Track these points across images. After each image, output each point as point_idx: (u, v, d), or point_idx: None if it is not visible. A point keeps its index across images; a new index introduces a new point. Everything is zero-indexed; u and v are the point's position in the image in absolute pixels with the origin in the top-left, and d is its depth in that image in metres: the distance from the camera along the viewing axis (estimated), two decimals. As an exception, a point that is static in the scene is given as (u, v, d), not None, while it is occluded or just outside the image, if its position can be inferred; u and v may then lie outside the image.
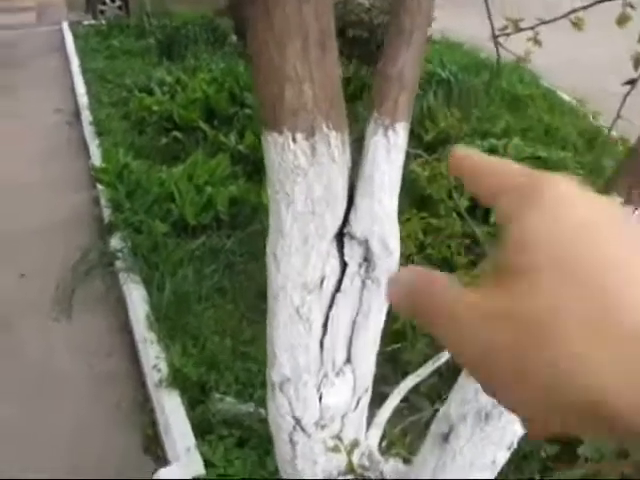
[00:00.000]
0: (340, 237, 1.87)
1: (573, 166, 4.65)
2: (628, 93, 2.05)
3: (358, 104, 4.88)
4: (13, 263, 4.67)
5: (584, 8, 2.15)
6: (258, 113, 1.93)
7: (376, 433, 2.21)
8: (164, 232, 4.68)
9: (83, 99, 7.62)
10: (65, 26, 10.86)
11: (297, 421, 1.97)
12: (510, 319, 0.31)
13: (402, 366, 3.04)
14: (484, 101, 6.08)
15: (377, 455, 2.15)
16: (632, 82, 2.09)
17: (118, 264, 4.43)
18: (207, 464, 2.91)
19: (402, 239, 1.92)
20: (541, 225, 0.33)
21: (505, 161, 0.39)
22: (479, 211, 3.96)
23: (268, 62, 1.79)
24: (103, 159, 5.86)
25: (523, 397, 0.31)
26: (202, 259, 4.54)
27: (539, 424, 0.33)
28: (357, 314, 1.95)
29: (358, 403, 2.02)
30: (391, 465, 2.13)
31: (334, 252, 1.87)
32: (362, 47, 5.78)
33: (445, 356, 2.54)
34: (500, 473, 1.85)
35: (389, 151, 1.97)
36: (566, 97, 7.31)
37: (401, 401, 2.31)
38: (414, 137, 3.63)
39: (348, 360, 2.01)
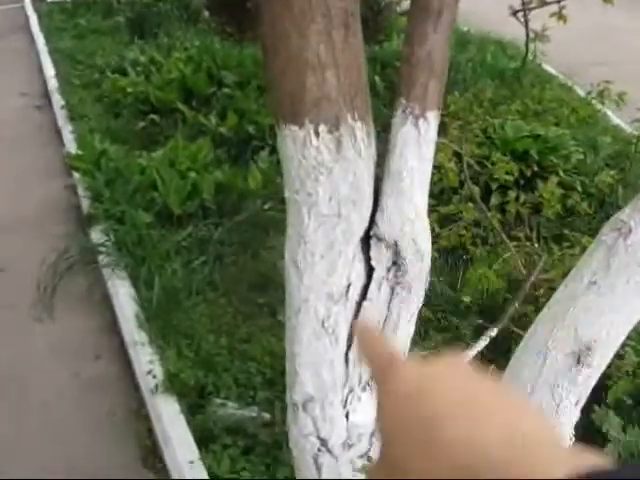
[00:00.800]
0: (366, 239, 1.67)
1: (570, 143, 4.51)
2: None
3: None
4: (-13, 259, 4.42)
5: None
6: (272, 105, 1.73)
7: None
8: (148, 222, 4.45)
9: (52, 81, 7.27)
10: (27, 3, 10.41)
11: (323, 442, 1.79)
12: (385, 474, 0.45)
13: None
14: (473, 78, 5.91)
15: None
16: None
17: (101, 259, 4.20)
18: (212, 476, 2.73)
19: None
20: (389, 405, 0.46)
21: (383, 340, 0.53)
22: (494, 199, 3.81)
23: (286, 47, 1.58)
24: (78, 146, 5.58)
25: None
26: (190, 251, 4.32)
27: None
28: (385, 323, 1.76)
29: (387, 419, 1.86)
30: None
31: (360, 256, 1.67)
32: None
33: (468, 357, 2.36)
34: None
35: (419, 144, 1.77)
36: (553, 71, 7.17)
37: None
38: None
39: (375, 373, 1.84)
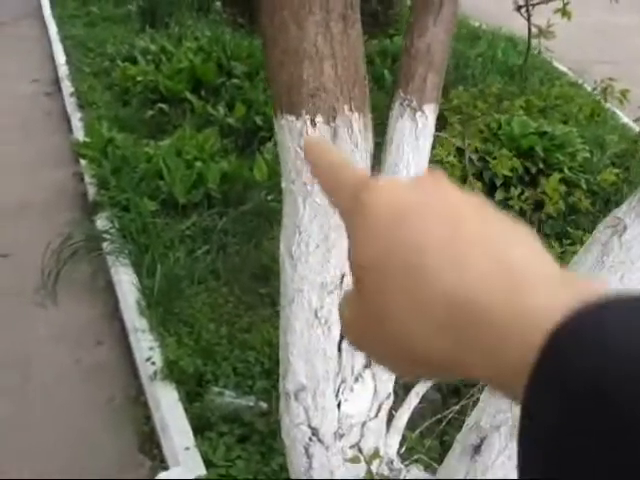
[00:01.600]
0: None
1: (577, 141, 4.49)
2: None
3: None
4: (-7, 244, 4.45)
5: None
6: (272, 95, 1.74)
7: (395, 438, 2.05)
8: (153, 211, 4.47)
9: (63, 69, 7.29)
10: (41, -9, 10.43)
11: (314, 431, 1.81)
12: (360, 316, 0.40)
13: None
14: (482, 74, 5.90)
15: (398, 463, 2.00)
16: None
17: (105, 246, 4.22)
18: (207, 464, 2.75)
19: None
20: (361, 228, 0.39)
21: (344, 165, 0.44)
22: (498, 195, 3.80)
23: (284, 38, 1.59)
24: (86, 133, 5.60)
25: (383, 363, 0.42)
26: (194, 240, 4.34)
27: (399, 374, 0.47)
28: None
29: (379, 410, 1.86)
30: (413, 474, 1.98)
31: None
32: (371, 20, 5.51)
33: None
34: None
35: (417, 137, 1.77)
36: (562, 68, 7.14)
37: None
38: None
39: (368, 365, 1.84)
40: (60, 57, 7.63)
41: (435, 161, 3.08)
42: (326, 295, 1.70)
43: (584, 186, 4.11)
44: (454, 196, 0.39)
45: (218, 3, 8.55)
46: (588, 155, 4.49)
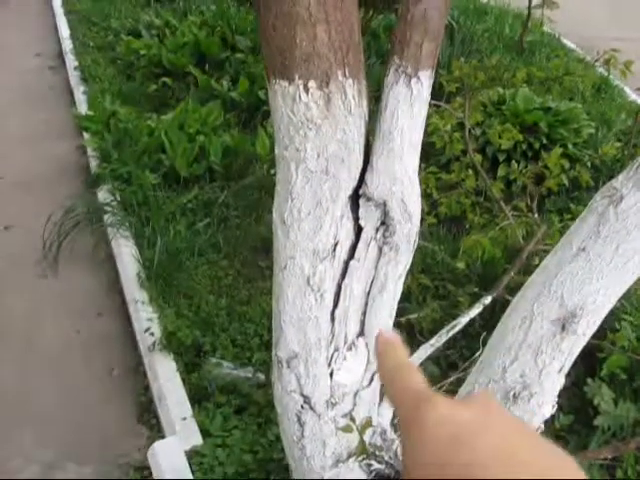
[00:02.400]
0: (355, 199, 1.67)
1: (582, 117, 4.45)
2: None
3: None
4: (-4, 215, 4.46)
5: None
6: (264, 60, 1.72)
7: (389, 408, 2.05)
8: (154, 184, 4.46)
9: (67, 42, 7.26)
10: (46, -36, 10.35)
11: (306, 399, 1.81)
12: None
13: (411, 332, 2.89)
14: (488, 49, 5.84)
15: (391, 433, 2.00)
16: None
17: (107, 218, 4.22)
18: (204, 434, 2.76)
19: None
20: (419, 439, 0.42)
21: (407, 371, 0.48)
22: (501, 170, 3.78)
23: (277, 2, 1.57)
24: (89, 106, 5.58)
25: None
26: (195, 213, 4.34)
27: None
28: (372, 283, 1.77)
29: (372, 379, 1.85)
30: (406, 444, 1.98)
31: (348, 215, 1.67)
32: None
33: (461, 324, 2.38)
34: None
35: (412, 104, 1.75)
36: (570, 44, 7.06)
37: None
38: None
39: (361, 333, 1.84)
40: (64, 31, 7.59)
41: (432, 131, 3.08)
42: (318, 262, 1.69)
43: (588, 163, 4.07)
44: (505, 417, 0.43)
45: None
46: (593, 131, 4.45)
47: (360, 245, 1.70)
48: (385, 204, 1.68)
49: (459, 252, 3.10)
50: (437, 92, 3.97)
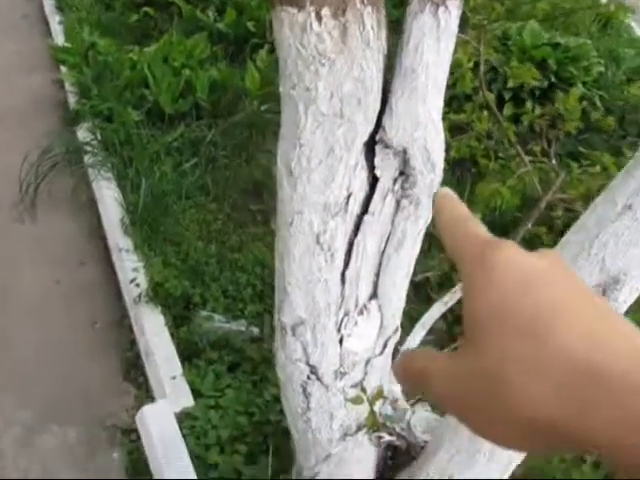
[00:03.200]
0: (371, 145, 1.44)
1: (592, 54, 4.20)
2: None
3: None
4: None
5: None
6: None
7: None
8: (137, 121, 4.20)
9: (41, -33, 6.82)
10: None
11: (312, 370, 1.63)
12: (469, 376, 0.39)
13: (422, 289, 2.71)
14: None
15: (403, 402, 1.84)
16: None
17: (87, 159, 3.96)
18: (195, 394, 2.59)
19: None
20: (485, 292, 0.40)
21: (469, 222, 0.46)
22: (507, 109, 3.54)
23: None
24: (66, 37, 5.23)
25: (494, 433, 0.39)
26: (181, 152, 4.08)
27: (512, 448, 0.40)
28: (388, 240, 1.55)
29: (385, 346, 1.67)
30: (419, 416, 1.81)
31: (363, 163, 1.44)
32: None
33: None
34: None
35: (438, 37, 1.50)
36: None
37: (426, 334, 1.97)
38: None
39: (374, 295, 1.64)
40: (38, -46, 7.12)
41: (456, 67, 2.82)
42: (330, 218, 1.47)
43: (598, 103, 3.85)
44: (576, 281, 0.41)
45: None
46: (603, 69, 4.21)
47: (375, 197, 1.48)
48: (405, 152, 1.44)
49: (464, 197, 2.89)
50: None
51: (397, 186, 1.47)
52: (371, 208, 1.47)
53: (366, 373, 1.67)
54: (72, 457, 2.51)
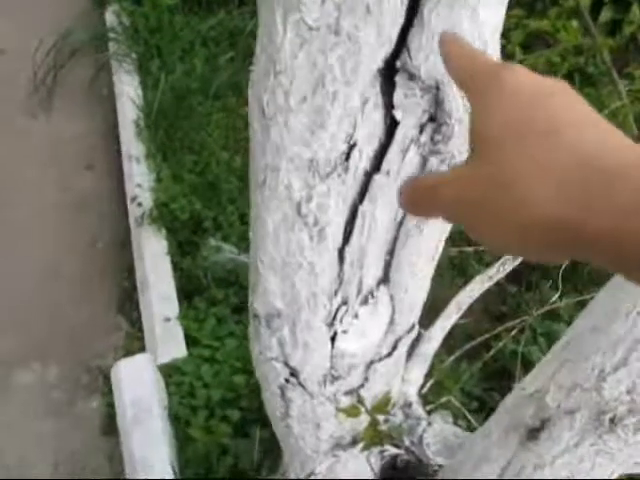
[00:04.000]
0: (388, 75, 0.91)
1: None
2: None
3: None
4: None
5: None
6: None
7: (418, 373, 1.45)
8: (171, 4, 3.71)
9: None
10: None
11: (292, 372, 1.22)
12: (480, 182, 0.40)
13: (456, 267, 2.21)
14: None
15: (418, 408, 1.42)
16: None
17: (111, 47, 3.51)
18: (190, 341, 2.23)
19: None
20: (499, 101, 0.41)
21: (481, 55, 0.47)
22: (604, 14, 2.87)
23: None
24: None
25: (502, 238, 0.40)
26: (217, 43, 3.58)
27: (518, 255, 0.43)
28: (406, 215, 1.09)
29: (395, 347, 1.24)
30: (435, 429, 1.39)
31: (376, 100, 0.92)
32: None
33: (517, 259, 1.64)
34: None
35: None
36: None
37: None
38: None
39: (385, 280, 1.20)
40: None
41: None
42: (317, 181, 1.00)
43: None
44: (586, 106, 0.41)
45: None
46: None
47: (393, 149, 0.97)
48: (438, 87, 0.91)
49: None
50: None
51: (424, 137, 0.96)
52: (385, 164, 0.98)
53: (366, 379, 1.25)
54: (49, 401, 2.23)
